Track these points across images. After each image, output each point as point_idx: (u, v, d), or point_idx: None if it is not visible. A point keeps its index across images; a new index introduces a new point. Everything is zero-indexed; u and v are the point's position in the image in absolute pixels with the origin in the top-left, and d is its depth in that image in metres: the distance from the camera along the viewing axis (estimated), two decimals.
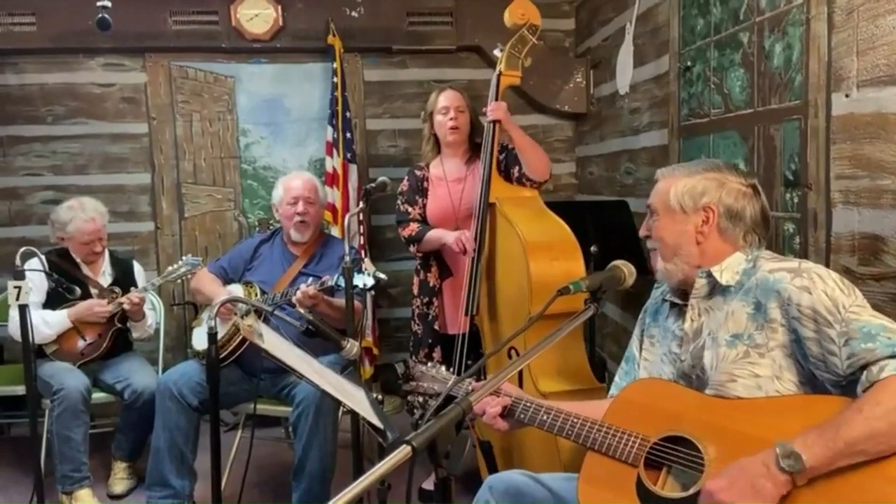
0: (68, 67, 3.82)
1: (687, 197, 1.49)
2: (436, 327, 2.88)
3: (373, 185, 2.39)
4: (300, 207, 2.83)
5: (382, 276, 2.36)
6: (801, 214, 2.00)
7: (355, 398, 1.51)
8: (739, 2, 2.27)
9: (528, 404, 1.57)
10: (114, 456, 3.11)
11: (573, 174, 4.18)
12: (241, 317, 1.61)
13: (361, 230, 3.63)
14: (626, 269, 1.44)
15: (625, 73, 3.35)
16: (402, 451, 0.92)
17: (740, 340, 1.38)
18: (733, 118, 2.36)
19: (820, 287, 1.31)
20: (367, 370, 3.80)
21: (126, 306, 2.98)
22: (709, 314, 1.47)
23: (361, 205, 2.35)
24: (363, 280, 2.29)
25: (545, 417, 1.53)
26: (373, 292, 2.72)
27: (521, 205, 2.62)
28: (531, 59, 2.72)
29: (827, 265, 1.87)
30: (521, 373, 2.43)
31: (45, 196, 3.82)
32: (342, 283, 2.32)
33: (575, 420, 1.48)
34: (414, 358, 2.95)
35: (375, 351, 3.82)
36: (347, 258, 2.19)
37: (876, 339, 1.22)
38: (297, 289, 2.48)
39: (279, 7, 3.76)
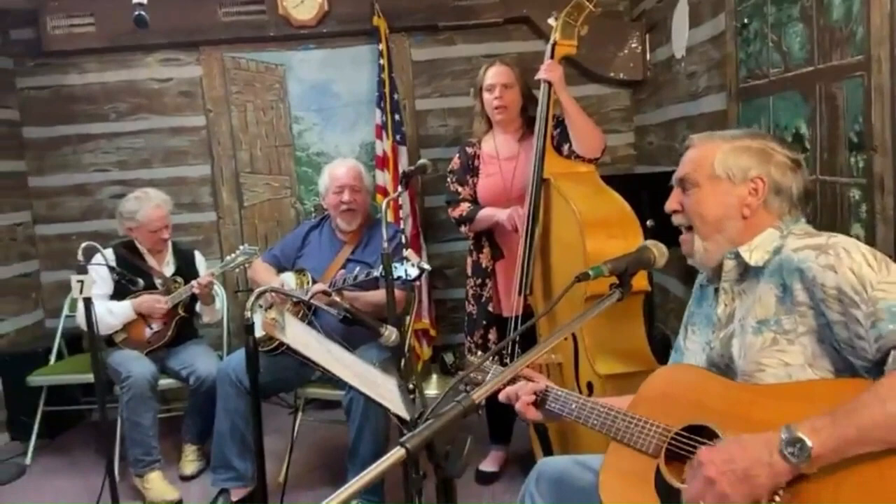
0: (127, 65, 3.95)
1: (734, 166, 1.36)
2: (490, 308, 2.84)
3: (411, 168, 2.35)
4: (346, 196, 2.83)
5: (427, 266, 2.34)
6: (867, 180, 1.83)
7: (384, 388, 1.49)
8: None
9: (559, 393, 1.52)
10: (184, 439, 3.24)
11: (632, 145, 4.01)
12: (265, 310, 1.61)
13: (404, 213, 3.61)
14: (657, 250, 1.35)
15: (680, 35, 3.16)
16: (396, 453, 0.88)
17: (767, 327, 1.27)
18: (793, 77, 2.18)
19: (846, 264, 1.18)
20: (426, 351, 3.81)
21: (196, 290, 3.08)
22: (741, 298, 1.36)
23: (399, 189, 2.32)
24: (406, 270, 2.26)
25: (573, 406, 1.47)
26: (417, 282, 2.69)
27: (576, 180, 2.52)
28: (587, 27, 2.59)
29: None
30: (577, 354, 2.37)
31: (113, 191, 3.98)
32: (393, 272, 2.29)
33: (601, 409, 1.41)
34: (469, 339, 2.92)
35: (433, 332, 3.82)
36: (385, 244, 2.17)
37: None
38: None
39: None
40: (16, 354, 3.57)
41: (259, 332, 2.83)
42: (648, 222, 2.73)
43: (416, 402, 1.86)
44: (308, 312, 2.68)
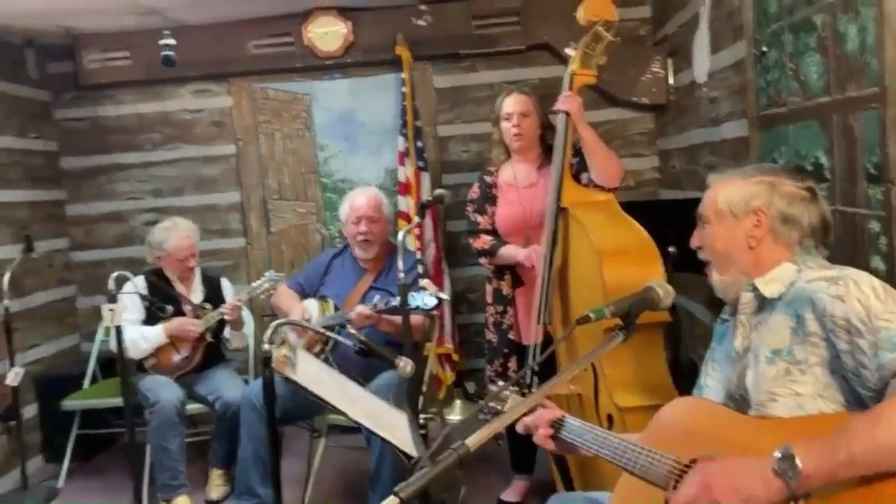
0: (161, 96, 4.08)
1: (737, 200, 1.43)
2: (510, 336, 2.84)
3: (429, 199, 2.38)
4: (363, 227, 2.88)
5: (444, 295, 2.36)
6: (885, 212, 1.80)
7: (393, 425, 1.51)
8: None
9: (574, 424, 1.54)
10: (211, 463, 3.29)
11: (656, 168, 4.00)
12: (277, 346, 1.65)
13: (427, 239, 3.63)
14: (662, 291, 1.36)
15: (702, 60, 3.15)
16: (389, 502, 0.90)
17: (780, 357, 1.29)
18: (812, 107, 2.16)
19: (854, 295, 1.20)
20: (449, 376, 3.82)
21: (226, 315, 3.15)
22: (758, 329, 1.37)
23: (416, 220, 2.35)
24: (423, 300, 2.29)
25: (588, 437, 1.49)
26: (435, 312, 2.71)
27: (594, 209, 2.52)
28: (606, 56, 2.60)
29: None
30: (596, 387, 2.35)
31: (147, 218, 4.08)
32: (410, 301, 2.32)
33: (614, 440, 1.43)
34: (489, 367, 2.93)
35: (456, 357, 3.82)
36: (402, 275, 2.20)
37: None
38: (353, 310, 2.52)
39: (349, 23, 3.84)
40: (51, 378, 3.69)
41: None
42: (671, 249, 2.72)
43: (426, 438, 1.87)
44: (327, 344, 2.72)
